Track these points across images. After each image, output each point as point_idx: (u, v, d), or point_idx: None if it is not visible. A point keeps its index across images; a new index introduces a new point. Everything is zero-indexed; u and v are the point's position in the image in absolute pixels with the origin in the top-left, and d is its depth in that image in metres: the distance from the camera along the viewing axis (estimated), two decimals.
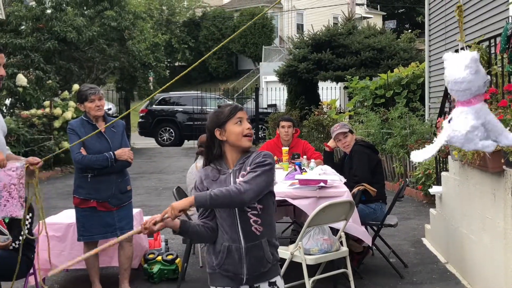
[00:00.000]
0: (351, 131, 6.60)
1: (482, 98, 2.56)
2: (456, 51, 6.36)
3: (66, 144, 14.56)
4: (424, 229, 7.63)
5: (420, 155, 2.71)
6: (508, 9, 8.28)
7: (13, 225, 4.70)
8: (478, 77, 2.50)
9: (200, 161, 5.86)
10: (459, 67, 2.52)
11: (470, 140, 2.51)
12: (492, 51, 5.33)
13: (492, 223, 4.94)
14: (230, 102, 3.39)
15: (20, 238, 4.70)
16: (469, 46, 5.61)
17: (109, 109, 22.33)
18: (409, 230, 8.02)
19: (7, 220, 4.60)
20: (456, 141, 2.53)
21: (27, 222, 4.79)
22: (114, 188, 5.20)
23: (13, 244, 4.68)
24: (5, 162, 3.87)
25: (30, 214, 4.87)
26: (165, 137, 22.28)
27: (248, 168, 2.96)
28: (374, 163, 6.36)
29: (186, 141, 22.25)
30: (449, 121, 2.60)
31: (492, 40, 5.34)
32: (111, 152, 5.12)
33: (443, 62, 9.37)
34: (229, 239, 3.02)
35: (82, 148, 5.05)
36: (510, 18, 4.73)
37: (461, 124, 2.49)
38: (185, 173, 13.88)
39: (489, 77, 2.55)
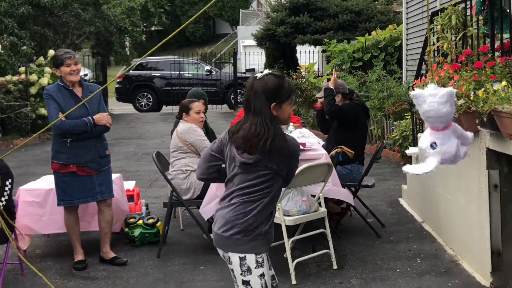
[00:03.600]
0: (343, 94, 6.52)
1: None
2: (433, 14, 6.42)
3: (43, 111, 14.45)
4: (401, 190, 7.76)
5: (412, 169, 2.91)
6: None
7: None
8: (453, 107, 2.73)
9: (180, 125, 5.88)
10: (438, 103, 2.72)
11: (458, 157, 2.76)
12: (468, 13, 5.36)
13: (467, 182, 5.05)
14: (286, 78, 3.37)
15: (0, 204, 4.72)
16: (445, 8, 5.63)
17: (85, 75, 22.09)
18: (386, 191, 8.15)
19: None
20: (448, 162, 2.80)
21: (6, 188, 4.81)
22: (93, 152, 5.21)
23: None
24: None
25: (10, 180, 4.88)
26: (143, 103, 22.13)
27: None
28: (360, 122, 6.42)
29: (164, 106, 22.15)
30: (431, 145, 2.81)
31: (468, 2, 5.36)
32: (89, 117, 5.12)
33: (420, 24, 9.45)
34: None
35: (60, 113, 5.03)
36: None
37: (450, 146, 2.75)
38: (164, 139, 14.03)
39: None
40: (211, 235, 3.22)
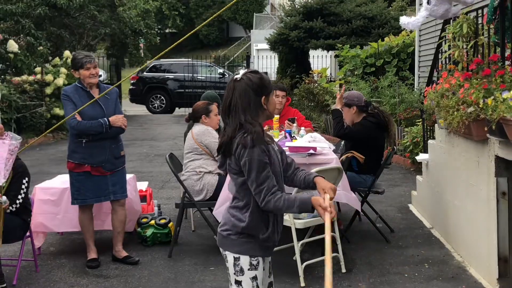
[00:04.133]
0: (347, 105, 6.29)
1: None
2: (445, 21, 6.47)
3: (57, 111, 14.63)
4: (411, 196, 7.81)
5: (408, 20, 3.15)
6: None
7: (9, 189, 4.82)
8: None
9: (196, 127, 5.96)
10: None
11: (444, 16, 2.99)
12: (479, 21, 5.42)
13: (476, 189, 5.10)
14: (261, 72, 3.46)
15: (17, 201, 4.84)
16: (457, 17, 5.70)
17: (100, 76, 22.25)
18: (396, 197, 8.20)
19: (5, 185, 4.72)
20: (434, 17, 3.06)
21: (23, 187, 4.93)
22: (108, 153, 5.33)
23: (11, 208, 4.81)
24: (3, 131, 4.08)
25: (26, 179, 5.00)
26: (156, 104, 22.29)
27: None
28: (373, 141, 6.24)
29: (177, 108, 22.29)
30: (428, 1, 3.03)
31: (480, 11, 5.43)
32: (105, 118, 5.24)
33: (433, 31, 9.48)
34: None
35: (77, 114, 5.15)
36: None
37: (442, 8, 2.97)
38: (177, 140, 14.13)
39: None
40: None
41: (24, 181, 4.95)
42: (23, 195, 4.91)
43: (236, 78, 2.98)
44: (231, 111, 2.95)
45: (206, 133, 5.84)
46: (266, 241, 3.02)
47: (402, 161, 10.52)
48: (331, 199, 2.86)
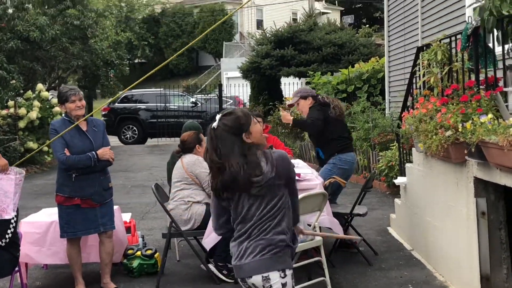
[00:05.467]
0: (303, 97, 6.85)
1: None
2: (418, 49, 6.71)
3: (31, 144, 14.53)
4: (390, 219, 7.96)
5: None
6: (465, 7, 8.69)
7: None
8: None
9: (187, 157, 6.03)
10: None
11: None
12: (453, 47, 5.64)
13: (455, 210, 5.27)
14: (239, 108, 3.60)
15: (6, 236, 4.85)
16: (431, 44, 5.93)
17: None
18: (375, 220, 8.35)
19: None
20: None
21: (12, 221, 4.94)
22: (97, 185, 5.38)
23: (0, 242, 4.81)
24: (8, 166, 4.25)
25: (15, 213, 5.01)
26: (128, 135, 22.21)
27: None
28: (327, 114, 6.70)
29: (149, 138, 22.26)
30: None
31: (453, 38, 5.65)
32: (93, 152, 5.30)
33: (402, 57, 9.81)
34: None
35: (66, 149, 5.21)
36: (469, 18, 5.05)
37: None
38: (152, 171, 14.14)
39: None
40: (232, 268, 3.36)
41: (13, 215, 4.95)
42: (12, 230, 4.91)
43: (214, 127, 3.15)
44: (222, 158, 3.11)
45: (197, 163, 5.92)
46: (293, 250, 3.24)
47: (378, 185, 10.70)
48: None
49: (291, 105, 7.13)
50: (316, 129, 6.66)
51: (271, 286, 3.09)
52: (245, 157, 3.09)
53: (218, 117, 3.16)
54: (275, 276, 3.09)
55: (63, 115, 5.48)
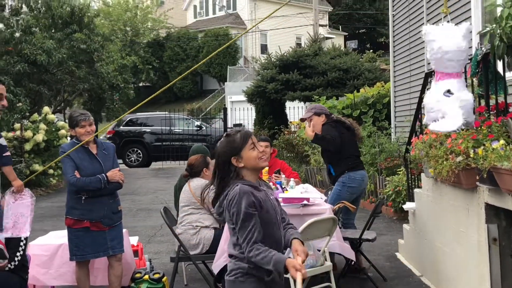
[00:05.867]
0: (317, 114, 6.84)
1: None
2: (426, 75, 6.73)
3: (37, 167, 14.55)
4: (398, 244, 7.92)
5: (437, 127, 2.94)
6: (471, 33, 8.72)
7: (8, 247, 4.83)
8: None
9: (194, 181, 6.03)
10: (455, 37, 2.62)
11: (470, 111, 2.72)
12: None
13: (466, 236, 5.24)
14: (238, 128, 3.62)
15: (16, 259, 4.85)
16: None
17: None
18: (383, 246, 8.31)
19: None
20: (469, 118, 2.78)
21: (21, 244, 4.94)
22: (106, 208, 5.38)
23: (9, 265, 4.80)
24: (23, 187, 4.36)
25: (24, 236, 5.01)
26: (132, 158, 22.26)
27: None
28: (341, 133, 6.71)
29: (153, 162, 22.29)
30: (446, 93, 2.78)
31: None
32: (103, 174, 5.31)
33: (408, 82, 9.76)
34: None
35: (76, 171, 5.23)
36: (478, 45, 5.07)
37: (466, 94, 2.72)
38: (157, 194, 14.12)
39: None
40: None
41: (22, 238, 4.96)
42: (21, 252, 4.91)
43: (215, 150, 3.27)
44: (217, 178, 3.26)
45: (204, 187, 5.91)
46: (272, 283, 3.17)
47: (385, 210, 10.66)
48: (302, 261, 3.02)
49: (303, 119, 7.14)
50: (336, 146, 6.66)
51: None
52: (222, 180, 3.22)
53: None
54: None
55: (73, 138, 5.50)
